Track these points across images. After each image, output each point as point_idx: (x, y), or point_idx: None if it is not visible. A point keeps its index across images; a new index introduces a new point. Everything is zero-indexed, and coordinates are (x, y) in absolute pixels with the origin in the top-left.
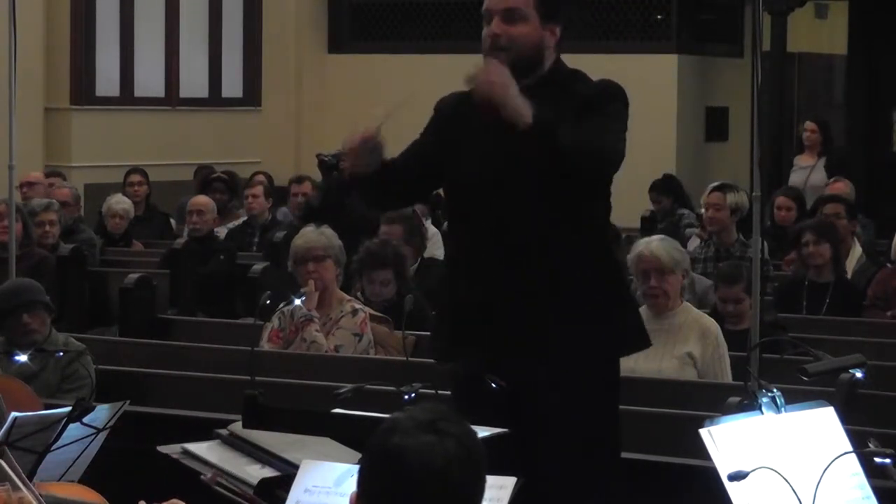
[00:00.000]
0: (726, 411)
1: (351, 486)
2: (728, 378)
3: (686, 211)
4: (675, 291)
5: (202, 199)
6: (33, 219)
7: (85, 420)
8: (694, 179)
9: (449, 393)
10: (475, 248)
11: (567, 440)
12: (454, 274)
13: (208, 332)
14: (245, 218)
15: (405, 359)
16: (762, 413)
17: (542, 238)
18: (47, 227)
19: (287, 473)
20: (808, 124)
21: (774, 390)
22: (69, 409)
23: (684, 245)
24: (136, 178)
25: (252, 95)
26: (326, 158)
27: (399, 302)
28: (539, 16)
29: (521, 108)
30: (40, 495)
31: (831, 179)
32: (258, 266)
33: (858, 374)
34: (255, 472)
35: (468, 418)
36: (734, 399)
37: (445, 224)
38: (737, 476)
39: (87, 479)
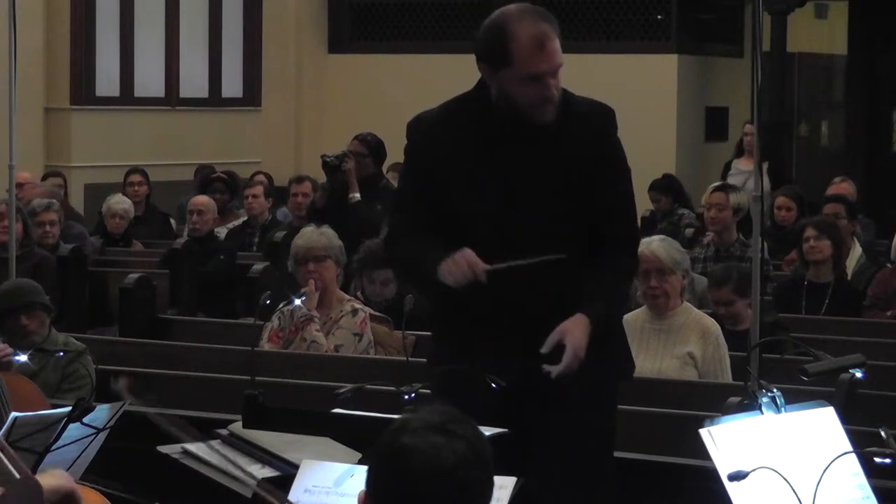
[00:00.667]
0: (726, 411)
1: (351, 486)
2: (728, 378)
3: (686, 211)
4: (675, 292)
5: (202, 199)
6: (33, 219)
7: (85, 420)
8: (694, 179)
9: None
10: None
11: (577, 447)
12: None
13: (208, 332)
14: (245, 218)
15: (405, 359)
16: (762, 413)
17: (568, 253)
18: (47, 227)
19: (287, 473)
20: (748, 127)
21: (774, 390)
22: (69, 409)
23: (685, 245)
24: (136, 178)
25: (252, 95)
26: (329, 159)
27: (399, 302)
28: None
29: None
30: None
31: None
32: (258, 266)
33: (858, 374)
34: (256, 472)
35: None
36: (734, 399)
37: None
38: (737, 476)
39: (87, 480)
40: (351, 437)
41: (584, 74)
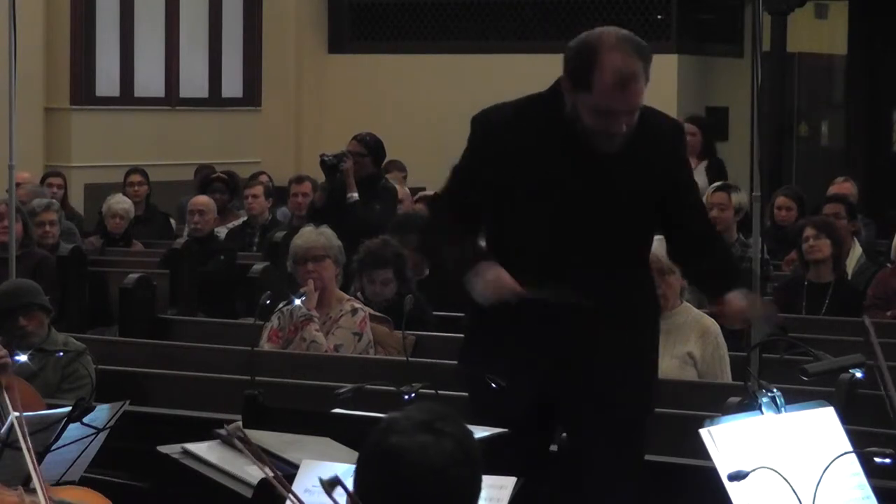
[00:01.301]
0: (726, 411)
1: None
2: (728, 378)
3: None
4: (674, 291)
5: (202, 199)
6: (33, 219)
7: (85, 420)
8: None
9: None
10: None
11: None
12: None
13: (208, 332)
14: (245, 218)
15: (405, 359)
16: (762, 413)
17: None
18: (47, 227)
19: (287, 473)
20: (688, 126)
21: (774, 390)
22: (69, 409)
23: None
24: (136, 178)
25: (252, 95)
26: (328, 159)
27: (399, 302)
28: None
29: None
30: (51, 499)
31: (715, 185)
32: (258, 266)
33: (858, 374)
34: (256, 472)
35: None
36: (734, 399)
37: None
38: (737, 476)
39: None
40: (351, 437)
41: None
